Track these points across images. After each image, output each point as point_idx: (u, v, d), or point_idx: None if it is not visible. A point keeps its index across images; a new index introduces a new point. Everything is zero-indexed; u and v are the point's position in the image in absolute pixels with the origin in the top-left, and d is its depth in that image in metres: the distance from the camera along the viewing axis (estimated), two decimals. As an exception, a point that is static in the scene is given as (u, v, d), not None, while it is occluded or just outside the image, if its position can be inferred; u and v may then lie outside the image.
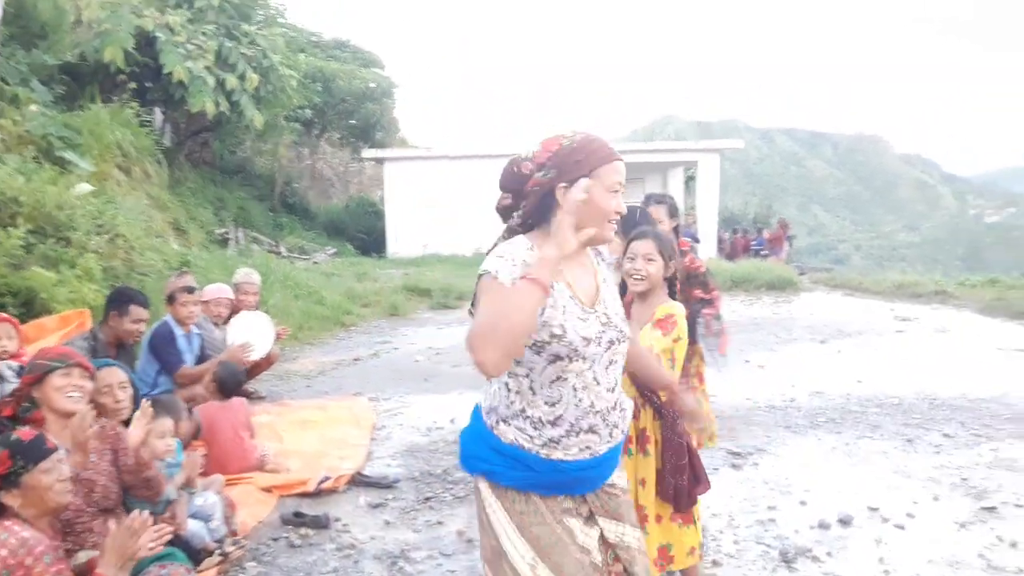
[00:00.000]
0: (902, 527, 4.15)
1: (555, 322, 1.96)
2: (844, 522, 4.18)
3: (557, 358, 1.96)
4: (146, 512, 2.63)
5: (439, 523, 4.16)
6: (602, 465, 2.06)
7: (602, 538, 2.07)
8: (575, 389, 1.99)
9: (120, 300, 4.86)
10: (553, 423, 1.99)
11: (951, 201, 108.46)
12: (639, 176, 23.79)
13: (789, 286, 15.52)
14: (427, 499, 4.48)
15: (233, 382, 4.90)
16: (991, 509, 4.40)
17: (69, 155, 9.23)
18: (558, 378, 1.97)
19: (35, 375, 3.15)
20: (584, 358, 1.98)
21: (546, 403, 1.98)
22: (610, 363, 2.05)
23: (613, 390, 2.05)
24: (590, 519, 2.07)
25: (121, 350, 4.88)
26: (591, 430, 2.01)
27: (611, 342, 2.04)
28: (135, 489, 3.15)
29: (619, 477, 2.16)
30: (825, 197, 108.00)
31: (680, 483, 2.92)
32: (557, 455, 1.99)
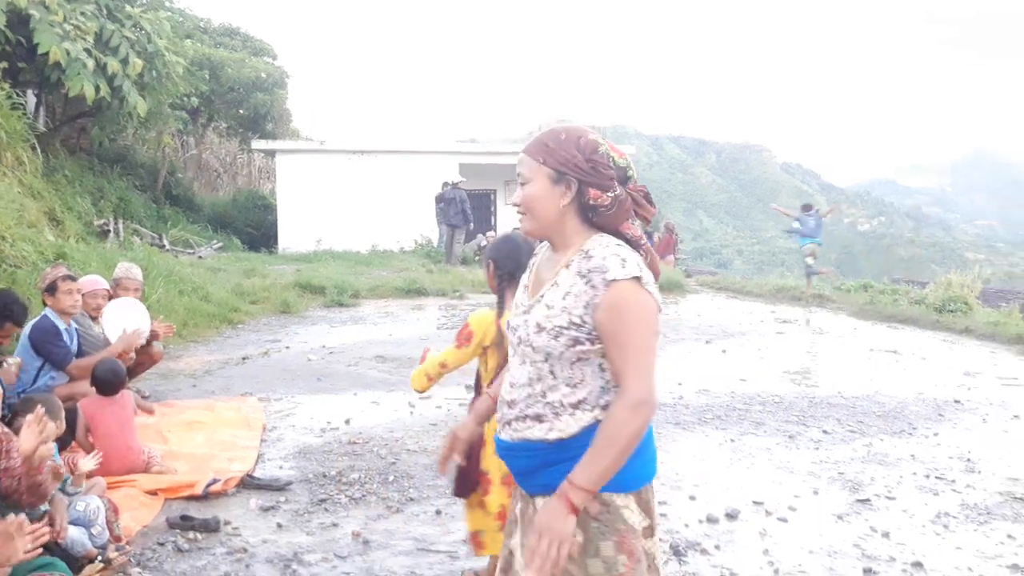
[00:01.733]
0: (785, 520, 4.34)
1: None
2: (731, 516, 4.34)
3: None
4: (22, 515, 2.48)
5: (334, 525, 4.08)
6: (499, 450, 2.10)
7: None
8: (507, 369, 2.13)
9: None
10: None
11: (827, 209, 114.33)
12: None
13: (676, 288, 16.00)
14: (321, 501, 4.38)
15: (116, 380, 4.65)
16: (865, 501, 4.66)
17: (-69, 137, 8.58)
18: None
19: None
20: (511, 343, 2.08)
21: None
22: (522, 361, 2.02)
23: (512, 385, 2.03)
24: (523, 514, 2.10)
25: None
26: (499, 407, 2.10)
27: (518, 340, 2.02)
28: (17, 494, 2.96)
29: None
30: (709, 203, 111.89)
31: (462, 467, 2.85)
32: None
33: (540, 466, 1.97)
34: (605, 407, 1.92)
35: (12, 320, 4.70)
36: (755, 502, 4.56)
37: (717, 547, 3.95)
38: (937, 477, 5.15)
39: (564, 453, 1.93)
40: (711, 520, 4.27)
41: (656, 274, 2.01)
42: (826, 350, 9.92)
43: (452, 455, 2.52)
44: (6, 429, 3.09)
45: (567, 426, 1.93)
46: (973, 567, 3.83)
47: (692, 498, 4.62)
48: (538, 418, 1.97)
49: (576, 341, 1.91)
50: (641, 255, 1.98)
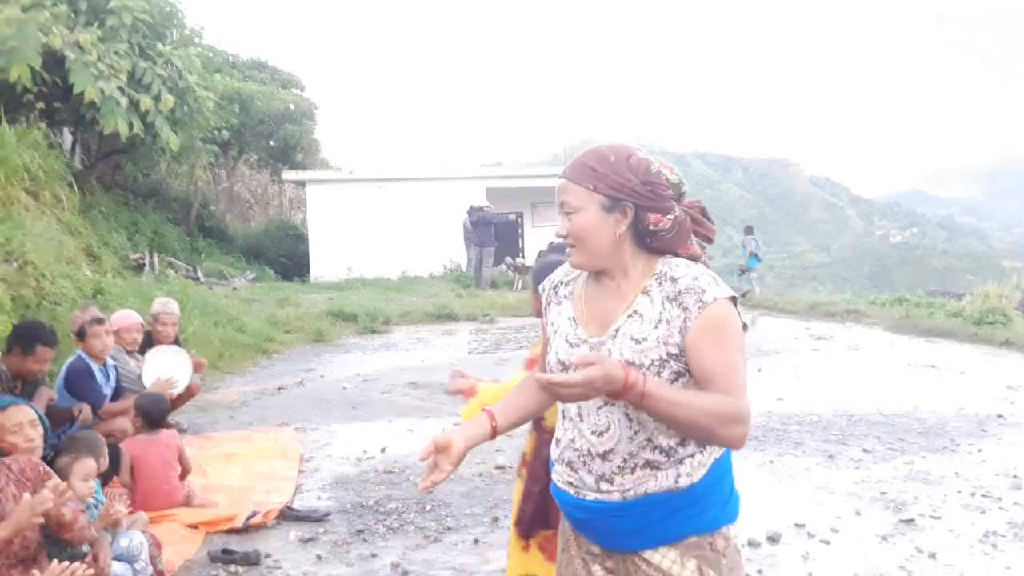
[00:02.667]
0: (828, 542, 4.28)
1: (551, 340, 1.96)
2: (773, 539, 4.28)
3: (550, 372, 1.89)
4: (66, 563, 2.52)
5: (373, 555, 4.08)
6: (595, 515, 1.86)
7: None
8: (563, 415, 1.92)
9: (27, 339, 4.65)
10: (557, 439, 1.97)
11: (858, 222, 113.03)
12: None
13: (709, 306, 15.88)
14: (359, 532, 4.39)
15: (158, 412, 4.72)
16: (909, 521, 4.57)
17: (-28, 179, 8.80)
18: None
19: None
20: None
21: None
22: (603, 404, 1.82)
23: (601, 435, 1.81)
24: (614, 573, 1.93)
25: (25, 384, 4.68)
26: (570, 465, 1.88)
27: None
28: (58, 531, 3.00)
29: (664, 557, 1.83)
30: (738, 219, 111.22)
31: (523, 508, 2.80)
32: (554, 477, 1.96)
33: (661, 518, 1.81)
34: (716, 448, 1.83)
35: (43, 343, 4.68)
36: (797, 524, 4.50)
37: (760, 572, 3.90)
38: (983, 495, 5.04)
39: (689, 498, 1.80)
40: (753, 544, 4.21)
41: None
42: (863, 366, 9.77)
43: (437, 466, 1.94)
44: (47, 468, 3.14)
45: (694, 470, 1.81)
46: (1024, 588, 3.75)
47: (732, 522, 4.56)
48: (654, 466, 1.80)
49: (678, 374, 1.77)
50: None
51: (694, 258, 1.86)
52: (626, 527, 1.82)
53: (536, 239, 23.12)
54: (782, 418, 7.01)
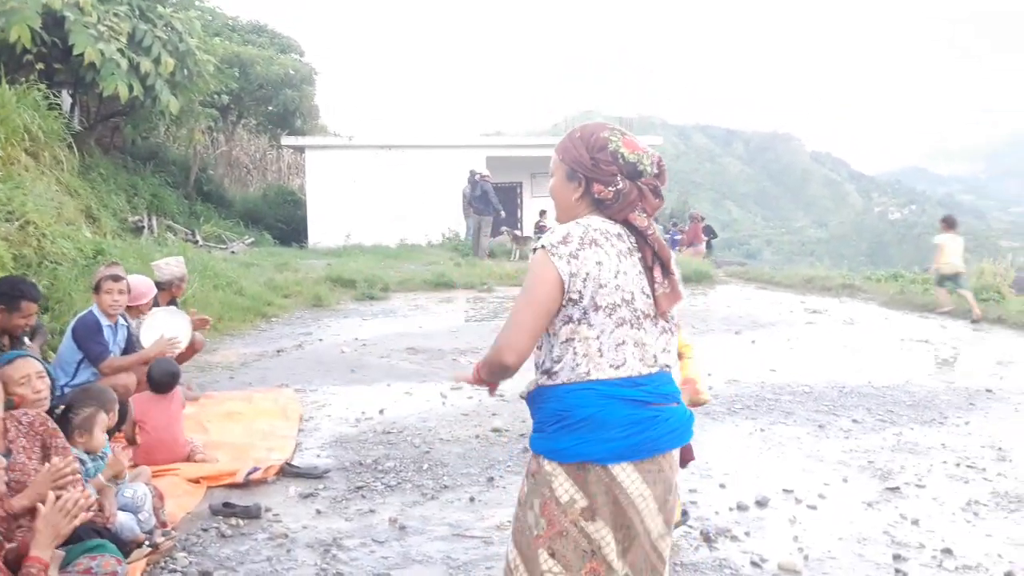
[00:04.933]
0: (814, 507, 4.38)
1: None
2: (761, 503, 4.39)
3: None
4: (76, 492, 2.59)
5: (371, 511, 4.19)
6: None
7: None
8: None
9: (10, 296, 4.67)
10: None
11: (857, 198, 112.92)
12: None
13: (705, 279, 15.97)
14: (358, 488, 4.49)
15: (168, 381, 4.79)
16: (895, 489, 4.68)
17: (-28, 137, 8.80)
18: None
19: None
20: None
21: None
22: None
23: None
24: None
25: (13, 340, 4.73)
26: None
27: None
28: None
29: None
30: (737, 193, 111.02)
31: None
32: None
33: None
34: (548, 373, 2.14)
35: (27, 298, 4.71)
36: (785, 490, 4.60)
37: (747, 534, 4.01)
38: (968, 466, 5.15)
39: (531, 409, 2.20)
40: (741, 507, 4.32)
41: (665, 261, 2.17)
42: (856, 340, 9.87)
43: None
44: (54, 424, 3.21)
45: (531, 385, 2.21)
46: (1003, 554, 3.85)
47: (722, 486, 4.67)
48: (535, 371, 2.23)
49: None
50: (651, 244, 2.15)
51: (642, 229, 2.15)
52: None
53: (534, 209, 23.13)
54: (774, 388, 7.12)
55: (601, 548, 2.07)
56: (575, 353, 2.07)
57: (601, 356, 2.07)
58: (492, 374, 2.20)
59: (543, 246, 2.10)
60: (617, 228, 2.17)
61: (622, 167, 2.16)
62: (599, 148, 2.16)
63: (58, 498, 2.54)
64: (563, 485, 2.07)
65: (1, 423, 3.02)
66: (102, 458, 3.59)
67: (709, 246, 22.77)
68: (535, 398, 2.16)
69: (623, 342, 2.08)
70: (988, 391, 7.21)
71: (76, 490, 2.55)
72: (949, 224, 12.52)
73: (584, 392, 2.06)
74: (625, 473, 2.06)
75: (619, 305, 2.08)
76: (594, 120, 2.34)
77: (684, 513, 3.99)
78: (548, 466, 2.10)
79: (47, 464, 2.84)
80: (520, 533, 2.15)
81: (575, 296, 2.05)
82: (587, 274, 2.05)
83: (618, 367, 2.07)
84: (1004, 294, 12.83)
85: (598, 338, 2.07)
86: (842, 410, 6.46)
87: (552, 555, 2.06)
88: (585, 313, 2.06)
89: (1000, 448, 5.54)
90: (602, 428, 2.05)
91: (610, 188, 2.15)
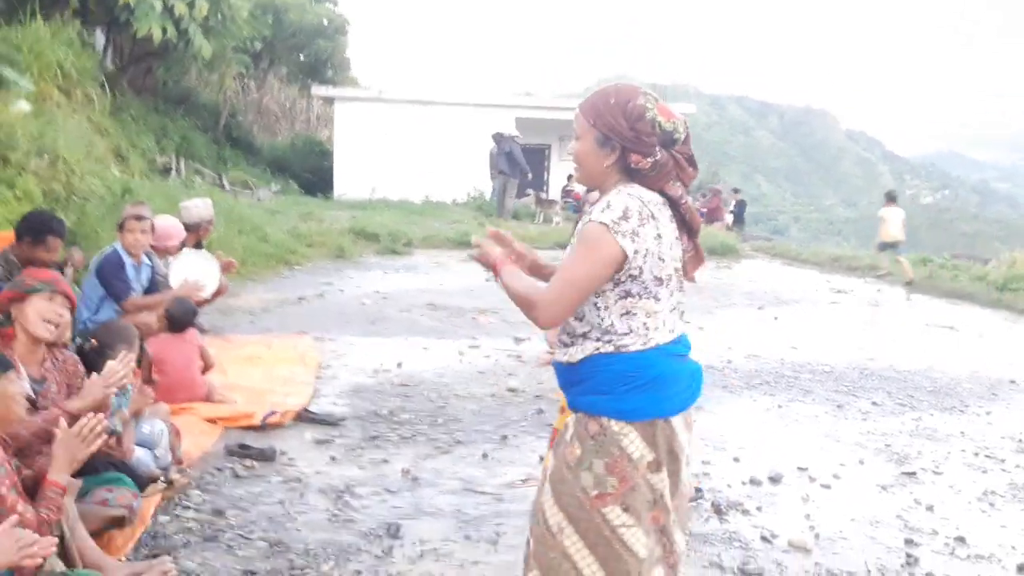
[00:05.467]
0: (828, 487, 4.35)
1: None
2: (774, 479, 4.36)
3: None
4: (93, 419, 2.60)
5: (384, 461, 4.21)
6: (556, 372, 2.32)
7: None
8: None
9: (38, 229, 4.67)
10: None
11: (889, 180, 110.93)
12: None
13: (730, 253, 15.84)
14: (373, 438, 4.52)
15: (186, 319, 4.83)
16: (911, 474, 4.64)
17: (7, 72, 8.81)
18: None
19: (18, 292, 3.06)
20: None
21: None
22: None
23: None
24: None
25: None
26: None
27: None
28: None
29: (572, 419, 2.24)
30: (768, 168, 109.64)
31: None
32: None
33: (566, 385, 2.24)
34: (605, 341, 2.12)
35: (53, 233, 4.71)
36: (799, 468, 4.57)
37: (759, 508, 3.99)
38: (986, 455, 5.08)
39: (575, 376, 2.18)
40: (754, 482, 4.30)
41: (695, 229, 2.20)
42: (880, 322, 9.77)
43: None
44: (82, 369, 3.24)
45: (576, 353, 2.16)
46: (1017, 545, 3.81)
47: (736, 460, 4.64)
48: (564, 343, 2.23)
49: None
50: (683, 213, 2.16)
51: (676, 199, 2.14)
52: (562, 386, 2.26)
53: (562, 173, 22.97)
54: (794, 366, 7.06)
55: (663, 495, 2.16)
56: (645, 325, 2.12)
57: (664, 324, 2.15)
58: (514, 303, 2.19)
59: (603, 223, 2.04)
60: (659, 196, 2.15)
61: (659, 136, 2.10)
62: (637, 117, 2.08)
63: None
64: (634, 442, 2.11)
65: (42, 349, 3.06)
66: (125, 394, 3.62)
67: (741, 219, 22.67)
68: (591, 364, 2.13)
69: (674, 308, 2.19)
70: (1012, 382, 7.10)
71: (92, 416, 2.56)
72: (891, 198, 14.44)
73: (652, 354, 2.13)
74: (679, 423, 2.17)
75: (672, 275, 2.15)
76: (628, 84, 2.25)
77: (698, 490, 3.98)
78: (616, 426, 2.12)
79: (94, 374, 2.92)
80: (567, 495, 2.14)
81: (635, 272, 2.08)
82: (647, 250, 2.07)
83: (672, 330, 2.17)
84: (1035, 285, 12.61)
85: (662, 309, 2.14)
86: (862, 392, 6.40)
87: (626, 510, 2.11)
88: (646, 288, 2.10)
89: (1021, 440, 5.46)
90: (668, 385, 2.14)
91: (648, 159, 2.10)
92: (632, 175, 2.13)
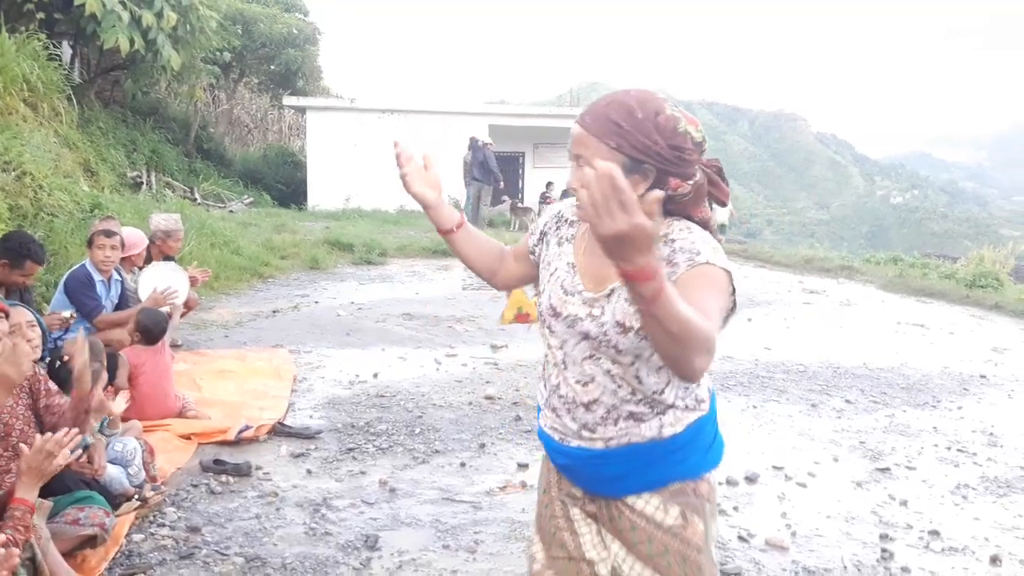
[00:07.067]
0: (804, 485, 4.39)
1: (542, 279, 1.92)
2: (750, 479, 4.40)
3: (540, 316, 1.88)
4: (59, 433, 2.57)
5: (362, 473, 4.19)
6: (577, 461, 1.85)
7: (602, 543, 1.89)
8: (547, 360, 1.90)
9: (17, 253, 4.59)
10: (544, 383, 1.94)
11: (860, 181, 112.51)
12: (563, 141, 23.89)
13: (705, 256, 15.92)
14: (350, 450, 4.49)
15: (157, 329, 4.77)
16: (885, 470, 4.69)
17: (-29, 85, 8.70)
18: (544, 337, 1.88)
19: None
20: (552, 331, 1.84)
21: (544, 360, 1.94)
22: (589, 356, 1.79)
23: (585, 385, 1.79)
24: (594, 518, 1.91)
25: (9, 293, 4.69)
26: (555, 411, 1.87)
27: (585, 336, 1.77)
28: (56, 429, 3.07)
29: (647, 503, 1.82)
30: (740, 172, 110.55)
31: None
32: (540, 420, 1.95)
33: (644, 466, 1.80)
34: (700, 402, 1.82)
35: (32, 259, 4.65)
36: (775, 467, 4.61)
37: (736, 508, 4.01)
38: (959, 450, 5.17)
39: (673, 447, 1.79)
40: (730, 483, 4.33)
41: None
42: (853, 321, 9.87)
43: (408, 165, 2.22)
44: (41, 372, 3.19)
45: (677, 421, 1.79)
46: (990, 537, 3.87)
47: (712, 461, 4.66)
48: (637, 418, 1.78)
49: None
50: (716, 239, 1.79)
51: (704, 221, 1.78)
52: (608, 473, 1.81)
53: (536, 180, 22.99)
54: (768, 366, 7.12)
55: None
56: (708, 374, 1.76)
57: None
58: (668, 336, 1.43)
59: (728, 271, 1.69)
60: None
61: (697, 155, 1.73)
62: (672, 132, 1.66)
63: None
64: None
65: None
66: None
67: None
68: (689, 435, 1.80)
69: None
70: (982, 377, 7.22)
71: (62, 431, 2.53)
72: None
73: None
74: None
75: None
76: (597, 92, 2.04)
77: None
78: (714, 475, 1.89)
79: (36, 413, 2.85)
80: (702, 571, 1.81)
81: None
82: None
83: None
84: (1003, 281, 12.85)
85: None
86: (835, 390, 6.47)
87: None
88: None
89: (991, 433, 5.55)
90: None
91: (689, 182, 1.71)
92: (664, 204, 1.72)
